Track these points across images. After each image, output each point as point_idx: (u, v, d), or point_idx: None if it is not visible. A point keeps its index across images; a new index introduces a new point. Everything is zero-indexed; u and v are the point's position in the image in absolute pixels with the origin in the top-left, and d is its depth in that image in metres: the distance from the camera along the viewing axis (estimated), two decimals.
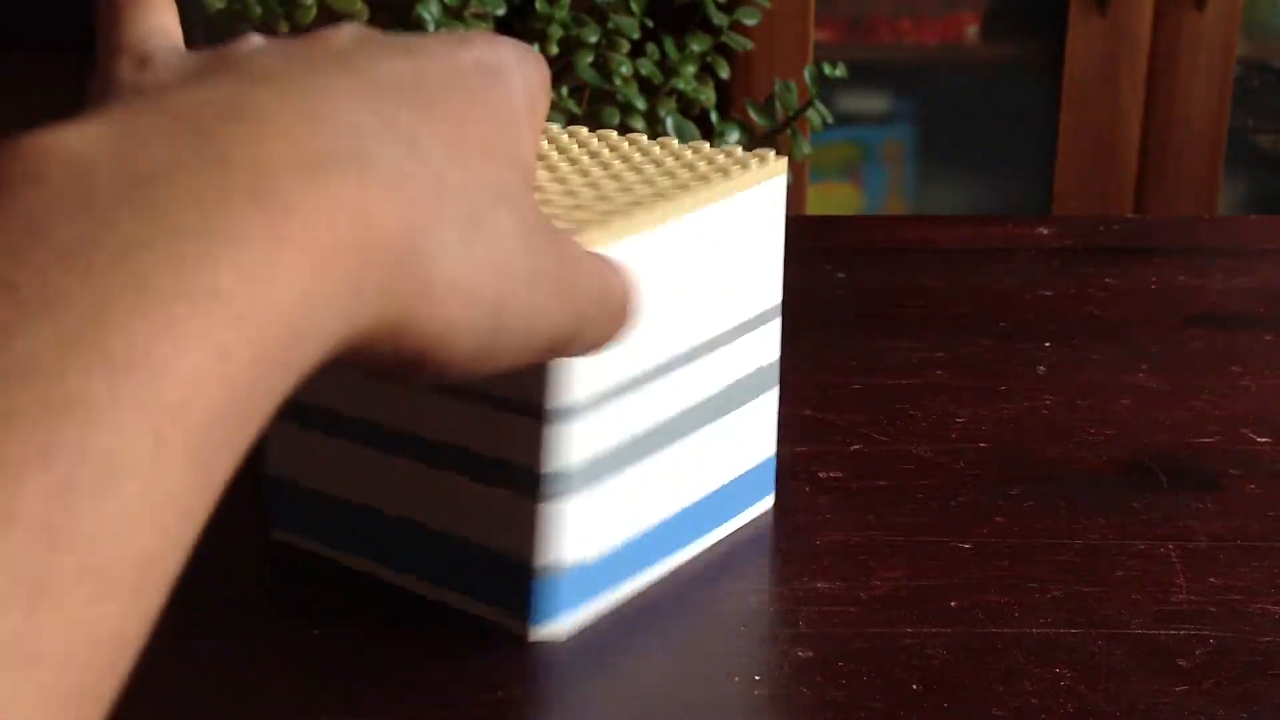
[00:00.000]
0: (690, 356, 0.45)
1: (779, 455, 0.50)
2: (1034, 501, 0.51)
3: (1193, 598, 0.45)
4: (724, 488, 0.48)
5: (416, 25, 1.26)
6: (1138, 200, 1.88)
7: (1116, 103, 1.84)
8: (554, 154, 0.47)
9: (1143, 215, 1.82)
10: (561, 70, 1.44)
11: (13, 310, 0.22)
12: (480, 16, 1.30)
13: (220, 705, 0.41)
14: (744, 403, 0.48)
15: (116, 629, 0.22)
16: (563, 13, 1.29)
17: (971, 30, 1.98)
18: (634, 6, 1.30)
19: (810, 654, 0.43)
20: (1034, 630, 0.43)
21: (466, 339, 0.31)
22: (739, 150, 0.46)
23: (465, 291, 0.30)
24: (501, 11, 1.33)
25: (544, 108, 0.37)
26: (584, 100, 1.41)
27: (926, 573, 0.47)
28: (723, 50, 1.34)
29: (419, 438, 0.43)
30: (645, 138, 0.48)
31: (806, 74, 1.26)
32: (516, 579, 0.43)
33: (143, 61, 0.34)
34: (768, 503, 0.51)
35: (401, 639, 0.43)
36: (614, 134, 0.48)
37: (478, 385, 0.41)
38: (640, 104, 1.29)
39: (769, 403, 0.50)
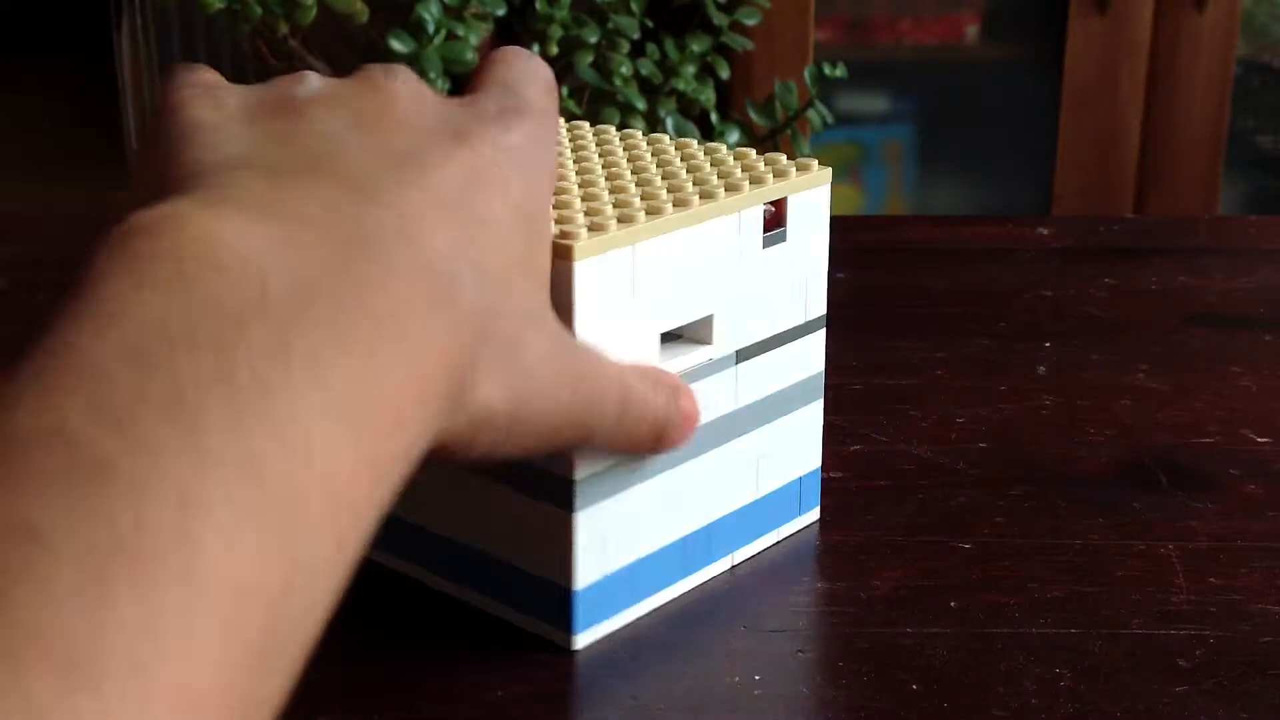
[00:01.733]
0: (728, 362, 0.45)
1: None
2: (1034, 501, 0.51)
3: (1193, 598, 0.45)
4: (763, 500, 0.47)
5: (417, 25, 1.26)
6: (1138, 200, 1.88)
7: (1116, 103, 1.84)
8: (612, 151, 0.47)
9: (1143, 215, 1.82)
10: (561, 70, 1.44)
11: (228, 402, 0.25)
12: (480, 17, 1.30)
13: None
14: (786, 413, 0.47)
15: None
16: (563, 13, 1.29)
17: (971, 30, 1.98)
18: (634, 7, 1.30)
19: (810, 654, 0.43)
20: (1034, 630, 0.44)
21: (485, 442, 0.34)
22: (783, 158, 0.46)
23: (493, 410, 0.33)
24: (502, 11, 1.33)
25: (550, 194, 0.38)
26: (584, 100, 1.41)
27: (926, 573, 0.47)
28: (723, 50, 1.34)
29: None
30: (694, 143, 0.48)
31: (806, 74, 1.26)
32: (551, 590, 0.43)
33: (212, 97, 0.36)
34: (813, 515, 0.50)
35: (414, 639, 0.43)
36: (664, 139, 0.48)
37: None
38: (640, 104, 1.29)
39: (813, 414, 0.49)
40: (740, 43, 1.34)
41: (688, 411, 0.42)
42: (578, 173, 0.45)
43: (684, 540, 0.45)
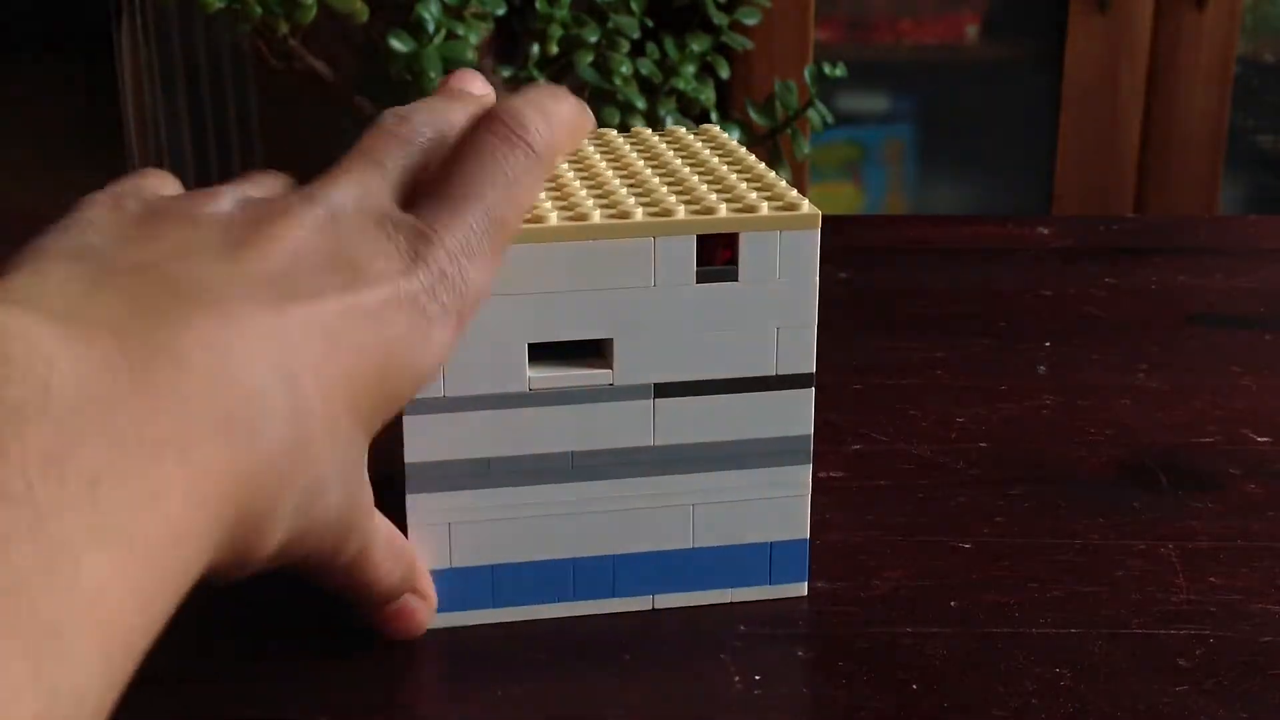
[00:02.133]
0: (640, 393, 0.43)
1: None
2: (1034, 501, 0.51)
3: (1193, 598, 0.45)
4: (703, 551, 0.45)
5: (416, 25, 1.26)
6: (1138, 200, 1.88)
7: (1116, 103, 1.84)
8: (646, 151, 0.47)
9: (1143, 215, 1.82)
10: (561, 70, 1.44)
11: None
12: (480, 16, 1.30)
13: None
14: (742, 466, 0.44)
15: None
16: (563, 12, 1.29)
17: (971, 30, 1.98)
18: (634, 6, 1.30)
19: (810, 654, 0.43)
20: (1034, 630, 0.43)
21: (254, 568, 0.33)
22: (791, 193, 0.43)
23: (273, 549, 0.33)
24: (502, 11, 1.33)
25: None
26: (584, 100, 1.41)
27: (926, 573, 0.47)
28: (723, 50, 1.34)
29: None
30: (742, 150, 0.47)
31: (806, 74, 1.26)
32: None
33: (124, 197, 0.36)
34: (797, 589, 0.46)
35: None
36: (716, 133, 0.48)
37: None
38: (640, 104, 1.29)
39: (793, 477, 0.44)
40: (740, 42, 1.34)
41: (423, 591, 0.42)
42: (573, 166, 0.45)
43: (574, 562, 0.44)
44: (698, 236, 0.41)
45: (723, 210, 0.41)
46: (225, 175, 2.21)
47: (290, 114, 2.00)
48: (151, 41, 2.06)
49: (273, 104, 2.03)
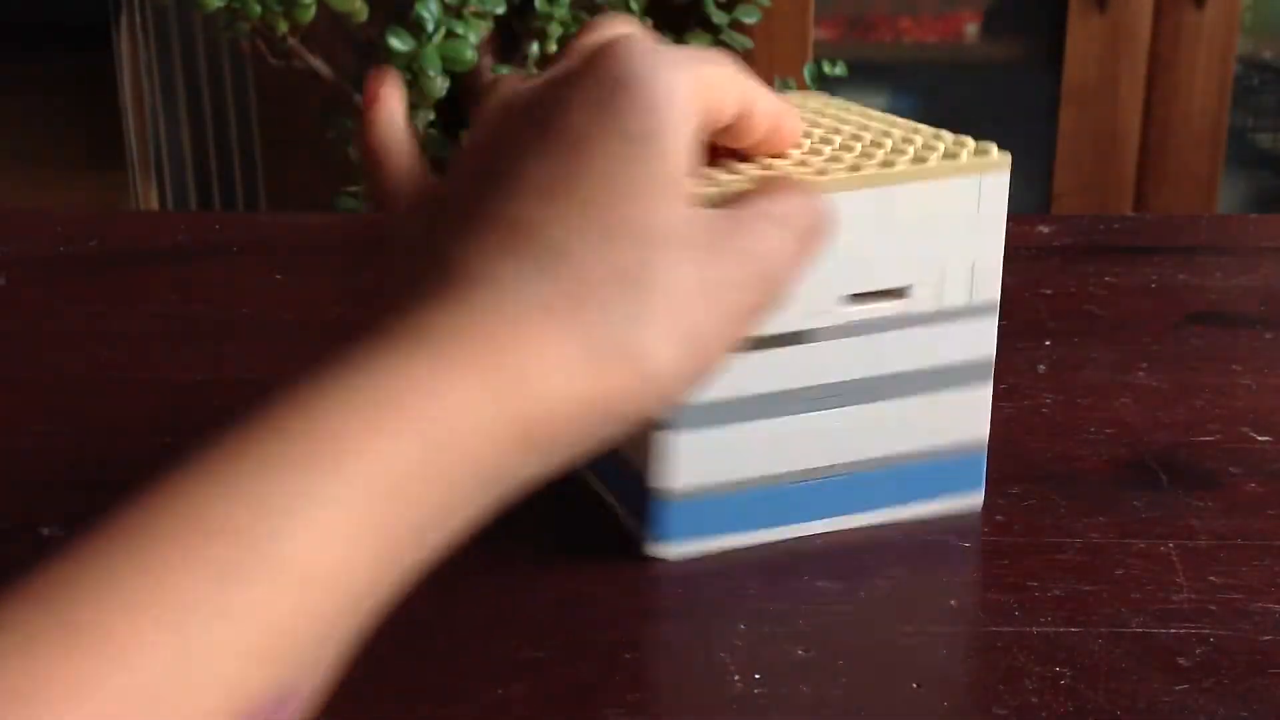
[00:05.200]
0: (871, 328, 0.47)
1: None
2: (1034, 501, 0.51)
3: (1193, 597, 0.45)
4: (904, 467, 0.49)
5: (416, 24, 1.26)
6: (1138, 199, 1.88)
7: (1116, 101, 1.84)
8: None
9: (1143, 214, 1.82)
10: None
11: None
12: (480, 15, 1.30)
13: None
14: (953, 386, 0.49)
15: None
16: (562, 11, 1.29)
17: (971, 29, 1.98)
18: (633, 5, 1.30)
19: (810, 654, 0.43)
20: (1034, 629, 0.43)
21: (672, 389, 0.34)
22: (971, 142, 0.47)
23: (645, 374, 0.33)
24: (501, 10, 1.33)
25: (690, 143, 0.36)
26: None
27: (926, 573, 0.47)
28: (722, 48, 1.34)
29: None
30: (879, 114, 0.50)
31: (806, 72, 1.25)
32: (643, 496, 0.47)
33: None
34: (975, 501, 0.50)
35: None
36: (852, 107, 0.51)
37: None
38: None
39: (976, 396, 0.49)
40: (740, 41, 1.34)
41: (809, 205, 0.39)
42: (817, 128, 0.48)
43: (793, 487, 0.48)
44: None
45: (963, 155, 0.46)
46: (225, 174, 2.21)
47: (289, 112, 2.00)
48: (150, 40, 2.06)
49: (272, 102, 2.03)
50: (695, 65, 0.36)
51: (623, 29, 0.38)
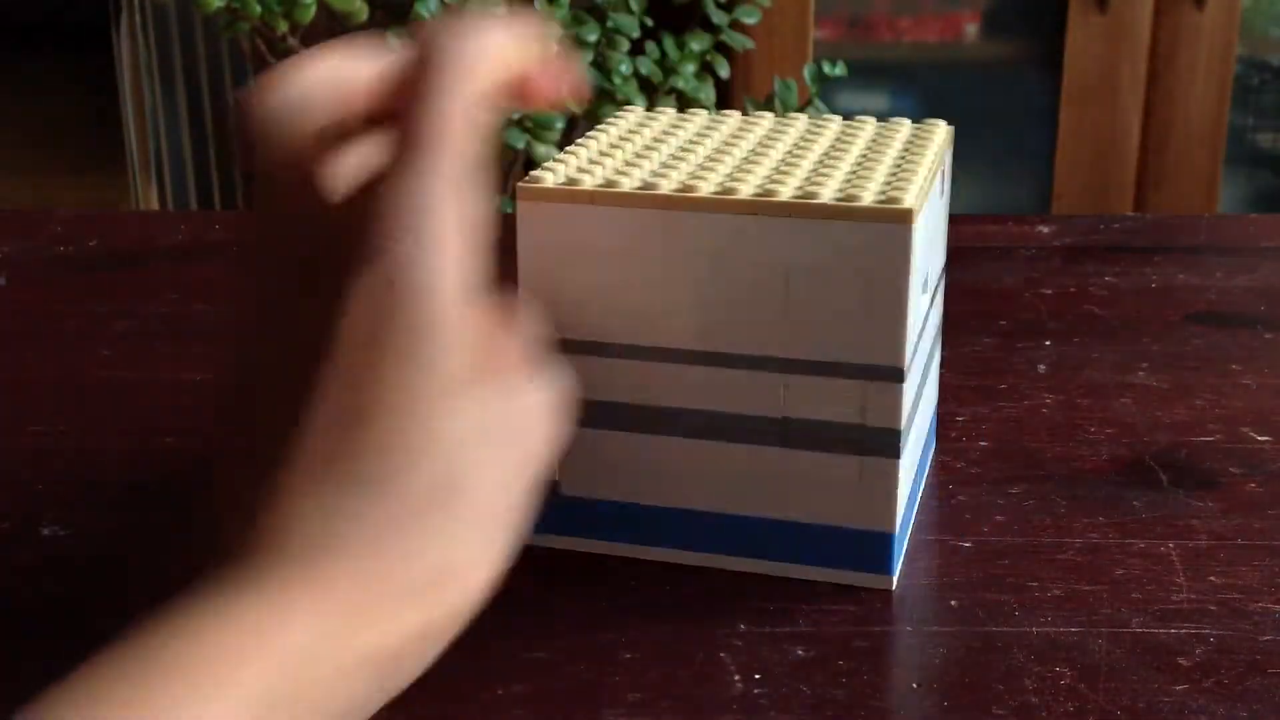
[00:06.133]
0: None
1: None
2: (1034, 501, 0.51)
3: (1193, 596, 0.45)
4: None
5: (416, 24, 1.26)
6: (1138, 199, 1.87)
7: (1116, 102, 1.84)
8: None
9: (1143, 214, 1.82)
10: None
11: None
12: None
13: None
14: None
15: None
16: (562, 11, 1.29)
17: (971, 29, 1.98)
18: (633, 5, 1.30)
19: (810, 654, 0.43)
20: (1034, 629, 0.43)
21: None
22: (907, 122, 0.50)
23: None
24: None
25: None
26: (584, 100, 1.41)
27: (927, 572, 0.47)
28: (722, 49, 1.34)
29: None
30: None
31: (806, 72, 1.25)
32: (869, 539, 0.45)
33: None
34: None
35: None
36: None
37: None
38: (640, 103, 1.29)
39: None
40: (740, 41, 1.34)
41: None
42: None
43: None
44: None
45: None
46: (225, 173, 2.21)
47: None
48: (150, 40, 2.06)
49: None
50: (462, 87, 0.35)
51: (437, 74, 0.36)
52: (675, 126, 0.51)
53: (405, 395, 0.34)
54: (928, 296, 0.48)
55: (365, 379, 0.34)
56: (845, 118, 0.52)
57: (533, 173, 0.45)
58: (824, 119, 0.51)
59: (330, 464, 0.33)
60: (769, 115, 0.52)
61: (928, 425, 0.52)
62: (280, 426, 0.34)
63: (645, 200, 0.44)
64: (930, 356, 0.50)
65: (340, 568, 0.32)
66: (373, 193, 0.35)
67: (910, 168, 0.46)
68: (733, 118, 0.52)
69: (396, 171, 0.34)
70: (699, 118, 0.52)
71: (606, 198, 0.44)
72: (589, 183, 0.44)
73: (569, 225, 0.44)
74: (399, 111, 0.35)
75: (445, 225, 0.34)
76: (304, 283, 0.36)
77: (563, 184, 0.44)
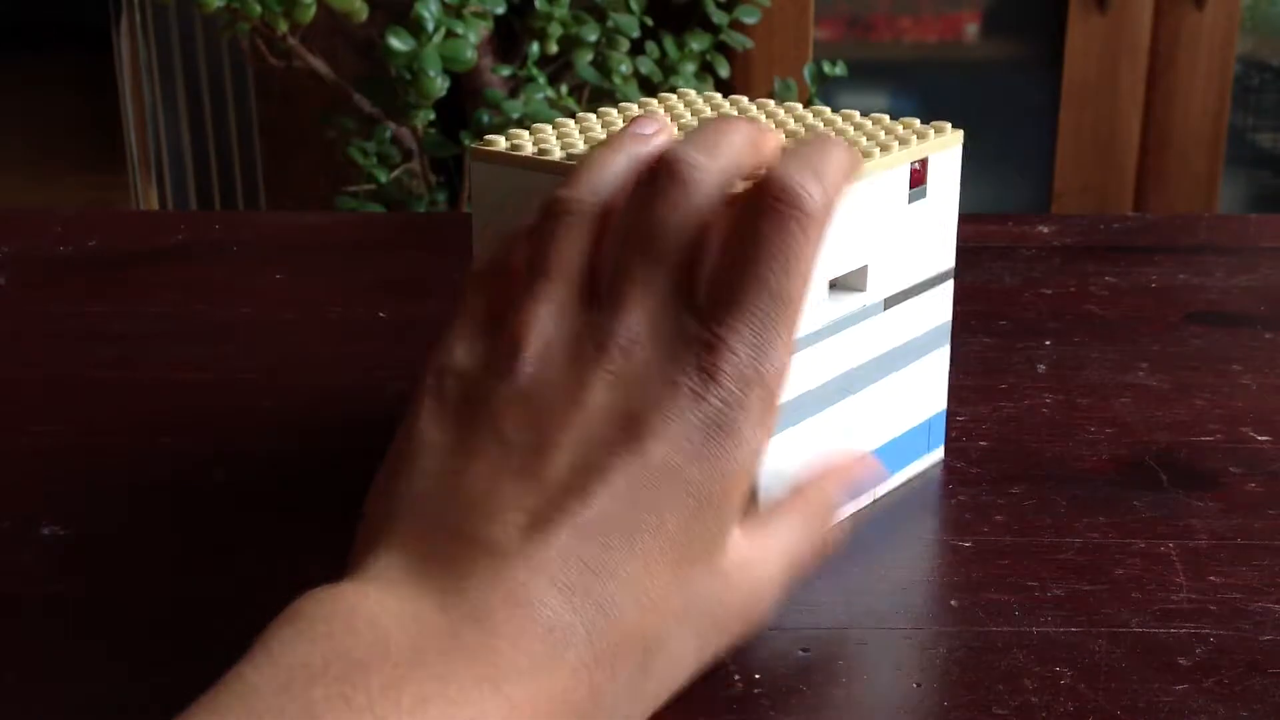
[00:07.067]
0: (866, 314, 0.48)
1: None
2: (1034, 501, 0.51)
3: (1193, 596, 0.45)
4: (899, 438, 0.51)
5: (415, 23, 1.26)
6: (1138, 198, 1.88)
7: (1116, 101, 1.84)
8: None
9: (1143, 213, 1.82)
10: (561, 69, 1.44)
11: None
12: (479, 15, 1.30)
13: None
14: (922, 355, 0.51)
15: None
16: (562, 11, 1.29)
17: (971, 28, 1.98)
18: (633, 5, 1.30)
19: (810, 654, 0.43)
20: (1034, 629, 0.43)
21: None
22: (917, 121, 0.49)
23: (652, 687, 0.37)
24: (501, 10, 1.33)
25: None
26: (583, 98, 1.41)
27: (926, 573, 0.47)
28: (722, 49, 1.34)
29: None
30: (827, 110, 0.51)
31: (806, 72, 1.26)
32: None
33: (439, 399, 0.40)
34: (937, 455, 0.53)
35: None
36: (798, 108, 0.51)
37: None
38: None
39: (942, 357, 0.52)
40: (740, 41, 1.34)
41: (859, 474, 0.44)
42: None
43: None
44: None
45: (914, 142, 0.48)
46: (225, 173, 2.21)
47: (289, 112, 2.00)
48: (150, 40, 2.06)
49: (272, 102, 2.03)
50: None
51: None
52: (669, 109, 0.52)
53: (685, 535, 0.36)
54: (851, 301, 0.48)
55: (663, 494, 0.36)
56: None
57: (487, 136, 0.48)
58: (816, 109, 0.51)
59: (596, 574, 0.35)
60: (770, 102, 0.53)
61: (892, 441, 0.51)
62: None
63: (568, 169, 0.45)
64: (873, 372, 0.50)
65: (563, 683, 0.34)
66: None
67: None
68: (742, 100, 0.53)
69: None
70: (703, 101, 0.53)
71: (542, 165, 0.46)
72: (528, 150, 0.47)
73: (514, 188, 0.47)
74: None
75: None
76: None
77: (507, 149, 0.47)
